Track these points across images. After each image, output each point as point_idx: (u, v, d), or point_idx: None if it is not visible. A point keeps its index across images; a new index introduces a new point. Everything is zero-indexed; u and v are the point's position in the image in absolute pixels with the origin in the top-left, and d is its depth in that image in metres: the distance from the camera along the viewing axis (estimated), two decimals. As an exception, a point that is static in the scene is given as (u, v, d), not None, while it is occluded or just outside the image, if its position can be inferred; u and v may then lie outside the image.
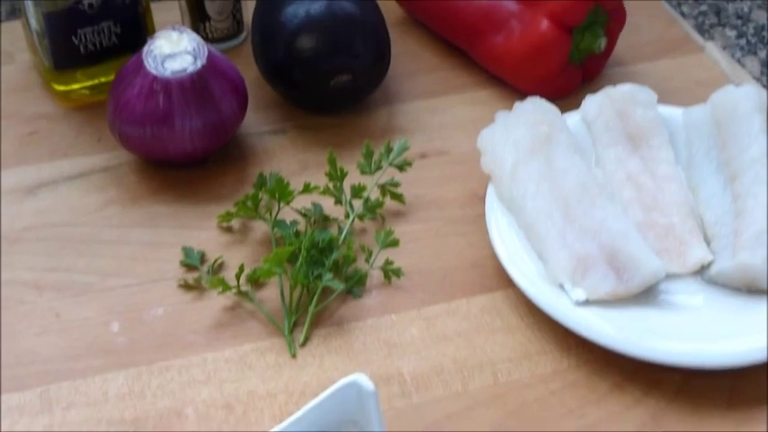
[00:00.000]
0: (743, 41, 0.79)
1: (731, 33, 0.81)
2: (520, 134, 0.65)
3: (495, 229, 0.62)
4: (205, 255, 0.63)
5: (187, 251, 0.63)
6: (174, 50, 0.64)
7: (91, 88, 0.73)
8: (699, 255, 0.62)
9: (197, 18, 0.77)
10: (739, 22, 0.82)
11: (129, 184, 0.68)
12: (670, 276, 0.61)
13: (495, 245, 0.62)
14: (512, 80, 0.75)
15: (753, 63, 0.78)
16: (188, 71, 0.64)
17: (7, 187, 0.67)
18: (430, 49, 0.80)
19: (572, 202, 0.62)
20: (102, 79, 0.73)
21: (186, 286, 0.61)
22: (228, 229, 0.65)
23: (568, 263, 0.60)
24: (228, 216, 0.64)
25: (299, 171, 0.69)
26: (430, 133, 0.72)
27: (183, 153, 0.66)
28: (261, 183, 0.65)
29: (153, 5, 0.84)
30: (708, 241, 0.63)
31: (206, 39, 0.78)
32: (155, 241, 0.64)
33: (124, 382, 0.56)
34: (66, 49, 0.70)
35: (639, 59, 0.80)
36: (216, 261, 0.62)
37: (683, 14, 0.80)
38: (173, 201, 0.67)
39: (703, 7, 0.81)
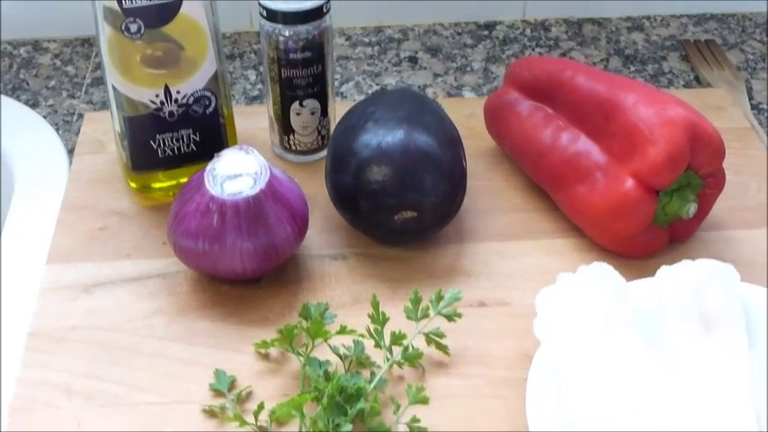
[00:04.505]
0: None
1: None
2: (577, 304, 0.61)
3: (534, 401, 0.59)
4: (236, 381, 0.62)
5: (219, 375, 0.62)
6: (235, 172, 0.64)
7: (168, 189, 0.74)
8: (753, 466, 0.56)
9: (282, 130, 0.77)
10: None
11: (180, 295, 0.68)
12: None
13: (529, 418, 0.58)
14: (591, 234, 0.71)
15: None
16: (244, 195, 0.63)
17: (65, 283, 0.68)
18: (516, 187, 0.77)
19: (620, 388, 0.57)
20: (181, 180, 0.73)
21: (210, 412, 0.60)
22: (266, 356, 0.64)
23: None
24: (265, 345, 0.63)
25: (351, 303, 0.67)
26: (495, 279, 0.69)
27: (232, 272, 0.65)
28: (305, 314, 0.64)
29: (246, 109, 0.85)
30: (768, 451, 0.57)
31: (290, 150, 0.78)
32: (190, 359, 0.63)
33: None
34: (144, 151, 0.71)
35: (740, 225, 0.74)
36: (243, 390, 0.61)
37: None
38: (218, 318, 0.66)
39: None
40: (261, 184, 0.64)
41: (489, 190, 0.77)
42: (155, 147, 0.71)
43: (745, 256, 0.72)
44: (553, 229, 0.73)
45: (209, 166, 0.65)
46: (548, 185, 0.74)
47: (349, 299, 0.68)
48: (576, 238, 0.72)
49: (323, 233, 0.72)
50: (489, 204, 0.75)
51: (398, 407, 0.60)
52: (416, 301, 0.63)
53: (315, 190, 0.74)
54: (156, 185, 0.74)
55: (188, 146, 0.72)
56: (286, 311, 0.67)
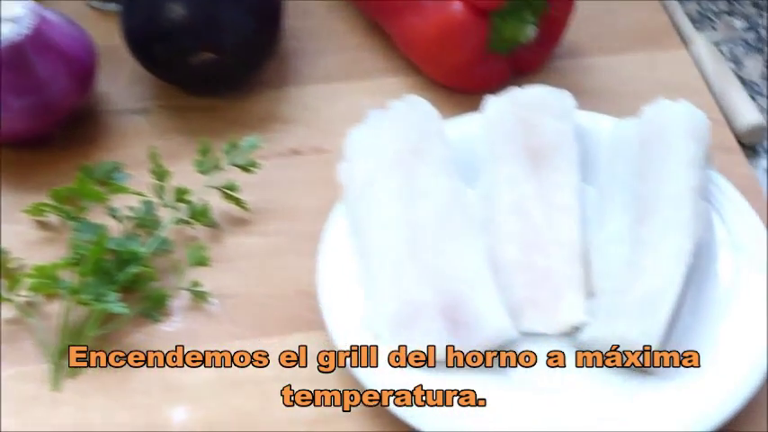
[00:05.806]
0: (751, 35, 0.64)
1: (741, 24, 0.66)
2: (385, 141, 0.54)
3: (327, 254, 0.51)
4: (7, 254, 0.55)
5: (-16, 247, 0.55)
6: (-6, 16, 0.56)
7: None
8: (571, 313, 0.49)
9: (88, -26, 0.68)
10: (754, 11, 0.67)
11: (-45, 162, 0.60)
12: (533, 336, 0.49)
13: (318, 273, 0.51)
14: (424, 68, 0.63)
15: (755, 63, 0.64)
16: (2, 42, 0.55)
17: None
18: (353, 29, 0.68)
19: (422, 234, 0.50)
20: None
21: (-33, 290, 0.54)
22: (45, 225, 0.57)
23: (393, 307, 0.48)
24: (35, 210, 0.55)
25: (147, 161, 0.59)
26: (315, 126, 0.62)
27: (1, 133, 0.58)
28: (87, 176, 0.56)
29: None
30: (592, 294, 0.50)
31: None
32: (-46, 234, 0.56)
33: None
34: None
35: (601, 51, 0.66)
36: (9, 264, 0.54)
37: (684, -3, 0.67)
38: (-6, 185, 0.59)
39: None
40: (24, 29, 0.56)
41: (323, 31, 0.68)
42: None
43: (604, 83, 0.64)
44: (387, 69, 0.65)
45: (-35, 11, 0.57)
46: (383, 19, 0.65)
47: (145, 156, 0.59)
48: (412, 76, 0.64)
49: (128, 86, 0.64)
50: (320, 45, 0.67)
51: (181, 271, 0.53)
52: (204, 152, 0.56)
53: (126, 40, 0.65)
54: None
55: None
56: (74, 174, 0.58)
